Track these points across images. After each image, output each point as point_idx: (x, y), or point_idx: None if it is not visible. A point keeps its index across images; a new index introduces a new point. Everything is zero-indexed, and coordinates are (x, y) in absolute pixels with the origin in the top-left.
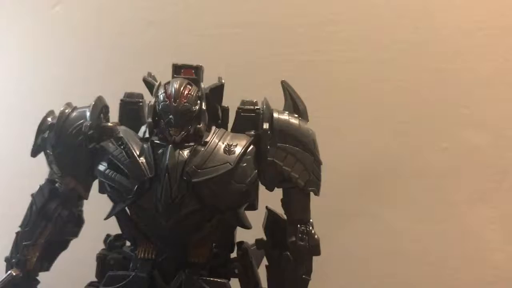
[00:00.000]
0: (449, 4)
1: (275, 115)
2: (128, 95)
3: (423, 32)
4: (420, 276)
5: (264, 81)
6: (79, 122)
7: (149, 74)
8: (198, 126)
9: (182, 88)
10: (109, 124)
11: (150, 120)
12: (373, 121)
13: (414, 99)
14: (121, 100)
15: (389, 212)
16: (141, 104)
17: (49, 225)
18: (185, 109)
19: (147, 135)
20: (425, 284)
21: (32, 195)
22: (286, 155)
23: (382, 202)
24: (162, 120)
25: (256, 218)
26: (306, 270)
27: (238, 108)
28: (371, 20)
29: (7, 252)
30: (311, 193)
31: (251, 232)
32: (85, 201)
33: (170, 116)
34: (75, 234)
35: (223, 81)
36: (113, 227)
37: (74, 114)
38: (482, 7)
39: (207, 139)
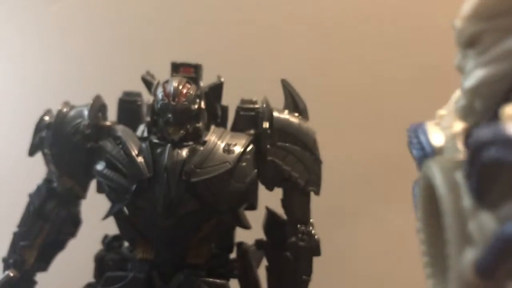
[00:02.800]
0: (452, 3)
1: (275, 114)
2: (127, 93)
3: (425, 31)
4: (421, 275)
5: (263, 80)
6: (77, 121)
7: (148, 73)
8: (197, 125)
9: (181, 87)
10: (107, 123)
11: (148, 119)
12: (374, 119)
13: (416, 98)
14: (120, 99)
15: (390, 212)
16: (139, 103)
17: (46, 225)
18: (184, 108)
19: (145, 134)
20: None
21: (30, 195)
22: (286, 154)
23: (383, 201)
24: (160, 119)
25: (256, 218)
26: (306, 270)
27: (238, 107)
28: (372, 19)
29: (4, 252)
30: (312, 193)
31: (250, 233)
32: (83, 201)
33: (169, 115)
34: (73, 234)
35: (222, 79)
36: (111, 228)
37: (72, 113)
38: None
39: (206, 138)
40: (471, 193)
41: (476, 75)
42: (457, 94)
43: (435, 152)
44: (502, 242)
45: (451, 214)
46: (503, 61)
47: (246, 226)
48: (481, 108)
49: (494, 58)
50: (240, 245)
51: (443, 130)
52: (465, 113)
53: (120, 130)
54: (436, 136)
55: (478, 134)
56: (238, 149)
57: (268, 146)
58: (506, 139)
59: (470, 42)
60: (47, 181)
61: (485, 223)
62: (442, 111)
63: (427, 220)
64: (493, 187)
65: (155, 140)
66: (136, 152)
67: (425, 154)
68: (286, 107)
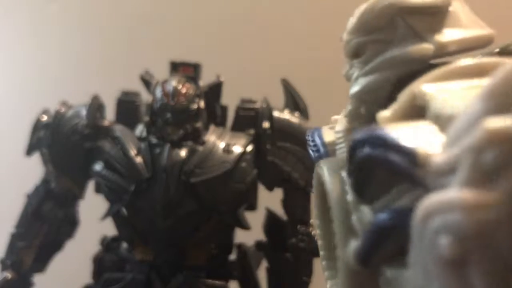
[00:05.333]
0: None
1: (275, 114)
2: (125, 93)
3: None
4: None
5: (263, 80)
6: (75, 121)
7: (147, 72)
8: (197, 125)
9: (180, 86)
10: (106, 123)
11: (147, 119)
12: None
13: None
14: (118, 99)
15: None
16: (138, 103)
17: (44, 226)
18: (183, 107)
19: (144, 134)
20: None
21: (27, 195)
22: (286, 154)
23: None
24: (159, 119)
25: (255, 219)
26: (306, 272)
27: (237, 107)
28: None
29: (2, 253)
30: (312, 193)
31: (250, 234)
32: (81, 201)
33: (168, 115)
34: (70, 235)
35: (221, 79)
36: (110, 228)
37: (70, 113)
38: None
39: (206, 138)
40: (352, 189)
41: (360, 82)
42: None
43: (329, 153)
44: (375, 231)
45: (336, 208)
46: (383, 70)
47: (245, 226)
48: (365, 112)
49: (375, 68)
50: (240, 246)
51: (336, 133)
52: (352, 117)
53: (119, 130)
54: (329, 139)
55: (355, 135)
56: (237, 149)
57: (268, 146)
58: (376, 138)
59: (355, 53)
60: (45, 181)
61: (364, 216)
62: (336, 116)
63: (322, 216)
64: (369, 183)
65: (154, 140)
66: (135, 152)
67: (320, 155)
68: (286, 106)
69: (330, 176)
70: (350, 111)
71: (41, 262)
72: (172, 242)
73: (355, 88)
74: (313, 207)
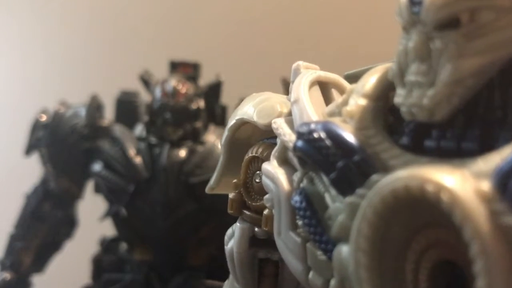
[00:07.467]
0: None
1: None
2: (124, 93)
3: None
4: None
5: (263, 79)
6: (75, 122)
7: (146, 71)
8: (196, 124)
9: (180, 86)
10: (105, 123)
11: (147, 118)
12: None
13: None
14: (117, 99)
15: None
16: (137, 104)
17: (43, 226)
18: (182, 107)
19: (143, 134)
20: None
21: (27, 195)
22: None
23: None
24: (159, 119)
25: None
26: None
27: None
28: (375, 15)
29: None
30: None
31: None
32: (80, 201)
33: (168, 115)
34: (69, 235)
35: (221, 78)
36: (109, 229)
37: (69, 113)
38: None
39: (205, 138)
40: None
41: (463, 64)
42: (361, 87)
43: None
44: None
45: None
46: (499, 49)
47: None
48: (456, 103)
49: (495, 43)
50: None
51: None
52: (438, 108)
53: (118, 130)
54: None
55: (299, 127)
56: None
57: None
58: (301, 132)
59: (454, 21)
60: (44, 181)
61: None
62: (349, 107)
63: None
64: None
65: (154, 140)
66: (134, 152)
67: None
68: None
69: None
70: (441, 99)
71: (40, 263)
72: (172, 242)
73: (452, 71)
74: None
